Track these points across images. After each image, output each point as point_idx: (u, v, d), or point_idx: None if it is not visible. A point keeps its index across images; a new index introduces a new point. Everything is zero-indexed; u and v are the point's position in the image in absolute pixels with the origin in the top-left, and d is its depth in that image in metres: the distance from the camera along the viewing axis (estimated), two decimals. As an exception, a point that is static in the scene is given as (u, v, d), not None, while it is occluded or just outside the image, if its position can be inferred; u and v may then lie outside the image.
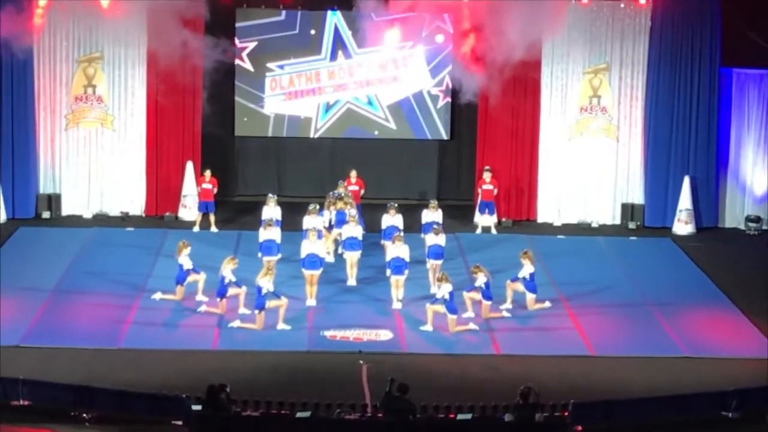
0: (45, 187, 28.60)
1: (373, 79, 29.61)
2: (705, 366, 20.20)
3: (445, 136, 30.08)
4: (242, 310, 21.93)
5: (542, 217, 29.22)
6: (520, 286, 22.68)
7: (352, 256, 23.99)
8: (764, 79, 28.76)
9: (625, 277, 24.98)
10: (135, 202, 28.81)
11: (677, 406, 17.63)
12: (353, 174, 27.48)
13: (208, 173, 27.64)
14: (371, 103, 29.76)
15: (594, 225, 29.00)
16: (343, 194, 25.89)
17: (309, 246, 22.94)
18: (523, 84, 28.64)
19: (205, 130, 28.76)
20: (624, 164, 29.10)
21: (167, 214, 28.56)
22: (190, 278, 22.62)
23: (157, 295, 22.64)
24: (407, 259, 23.02)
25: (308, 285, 22.80)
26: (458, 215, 28.74)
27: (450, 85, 29.37)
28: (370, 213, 26.76)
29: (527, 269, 22.61)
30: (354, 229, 24.20)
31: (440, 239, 23.77)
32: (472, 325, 21.63)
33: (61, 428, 16.91)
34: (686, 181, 28.48)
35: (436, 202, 26.13)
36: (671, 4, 28.14)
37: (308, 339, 21.08)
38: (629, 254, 26.70)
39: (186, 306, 22.36)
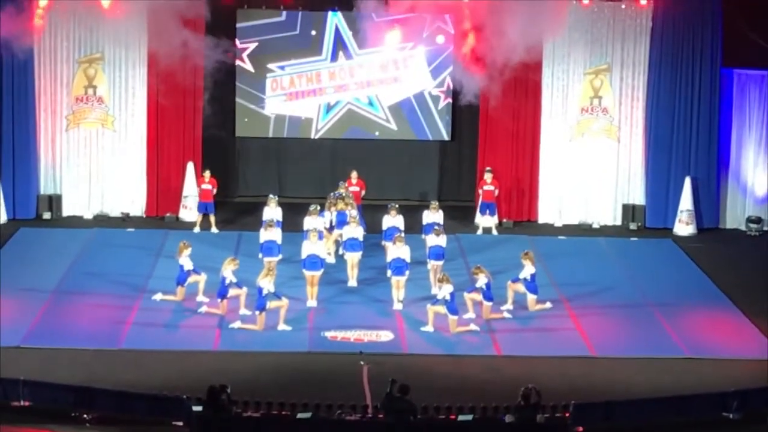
0: (45, 187, 28.58)
1: (374, 79, 29.59)
2: (706, 367, 20.19)
3: (446, 136, 30.06)
4: (243, 310, 21.91)
5: (543, 217, 29.20)
6: (521, 287, 22.66)
7: (352, 257, 23.98)
8: (765, 79, 28.73)
9: (626, 277, 24.96)
10: (135, 203, 28.79)
11: (678, 407, 17.63)
12: (354, 175, 27.47)
13: (207, 174, 27.62)
14: (372, 103, 29.74)
15: (595, 226, 28.98)
16: (343, 195, 25.87)
17: (310, 247, 22.93)
18: (524, 85, 28.62)
19: (206, 131, 28.76)
20: (625, 165, 29.08)
21: (168, 214, 28.55)
22: (191, 279, 22.61)
23: (158, 296, 22.64)
24: (408, 260, 22.99)
25: (309, 286, 22.78)
26: (459, 216, 28.74)
27: (451, 86, 29.33)
28: (370, 214, 26.75)
29: (528, 270, 22.60)
30: (355, 230, 24.18)
31: (441, 240, 23.76)
32: (473, 326, 21.62)
33: (61, 429, 16.90)
34: (687, 181, 28.46)
35: (437, 203, 26.11)
36: (672, 4, 28.12)
37: (309, 340, 21.06)
38: (630, 255, 26.67)
39: (187, 307, 22.35)
